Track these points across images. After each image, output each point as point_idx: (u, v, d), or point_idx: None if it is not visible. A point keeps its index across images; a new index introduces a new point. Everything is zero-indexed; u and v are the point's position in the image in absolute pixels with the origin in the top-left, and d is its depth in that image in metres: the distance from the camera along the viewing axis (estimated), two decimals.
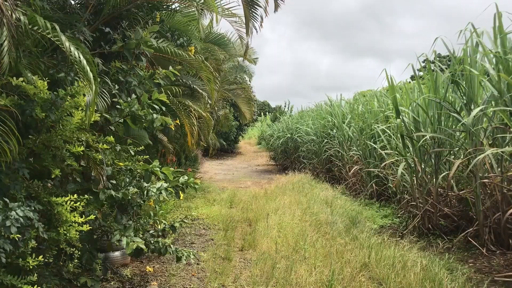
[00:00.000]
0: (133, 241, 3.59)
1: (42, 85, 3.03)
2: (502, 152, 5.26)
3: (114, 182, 3.85)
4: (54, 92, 3.14)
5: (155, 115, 3.96)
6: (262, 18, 6.13)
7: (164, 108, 4.38)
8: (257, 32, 6.28)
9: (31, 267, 2.86)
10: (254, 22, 6.19)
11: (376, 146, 9.44)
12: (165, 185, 4.05)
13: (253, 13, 6.06)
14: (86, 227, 3.19)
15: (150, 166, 4.03)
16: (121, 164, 3.90)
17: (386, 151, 8.56)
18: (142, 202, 3.96)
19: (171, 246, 4.21)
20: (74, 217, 3.12)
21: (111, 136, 3.68)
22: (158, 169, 4.05)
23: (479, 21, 6.05)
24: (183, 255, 4.23)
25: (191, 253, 4.34)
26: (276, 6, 6.10)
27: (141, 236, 4.02)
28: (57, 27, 2.88)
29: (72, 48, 2.85)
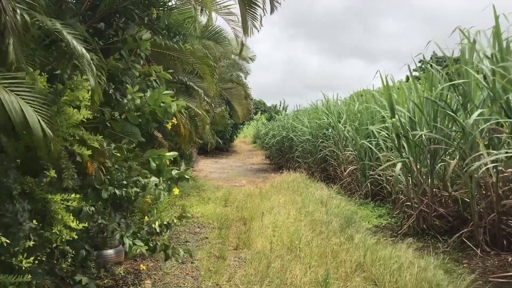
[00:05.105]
0: (135, 244, 3.56)
1: (42, 79, 3.00)
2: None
3: (108, 177, 3.80)
4: (53, 86, 3.10)
5: (172, 101, 3.92)
6: (261, 18, 6.10)
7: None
8: (258, 31, 6.25)
9: (24, 267, 2.80)
10: (254, 22, 6.15)
11: (372, 147, 9.42)
12: (157, 180, 4.00)
13: (252, 12, 6.03)
14: (79, 226, 3.15)
15: (155, 152, 3.98)
16: (118, 154, 3.83)
17: (382, 154, 8.55)
18: (138, 197, 3.91)
19: (170, 243, 4.15)
20: (70, 219, 3.07)
21: (102, 135, 3.63)
22: (162, 154, 4.00)
23: (466, 23, 6.09)
24: (178, 255, 4.19)
25: (188, 250, 4.31)
26: (272, 8, 6.07)
27: (136, 233, 3.96)
28: (58, 24, 2.87)
29: (74, 42, 2.84)
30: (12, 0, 2.65)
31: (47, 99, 2.84)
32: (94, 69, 2.91)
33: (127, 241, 3.54)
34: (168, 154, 4.09)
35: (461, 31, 6.02)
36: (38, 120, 2.56)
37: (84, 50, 2.86)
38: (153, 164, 3.98)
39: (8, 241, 2.67)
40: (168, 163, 4.16)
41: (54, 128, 2.75)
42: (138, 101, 3.89)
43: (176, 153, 4.18)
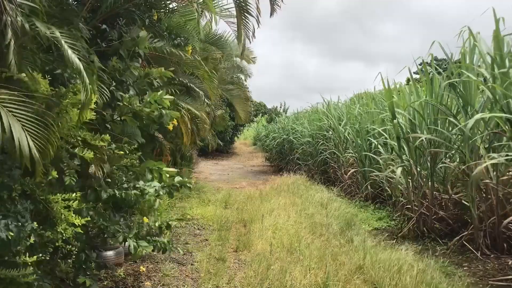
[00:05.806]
0: (140, 245, 3.56)
1: (44, 82, 3.00)
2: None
3: (109, 180, 3.80)
4: (56, 89, 3.11)
5: (164, 111, 3.93)
6: (254, 29, 6.18)
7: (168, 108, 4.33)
8: (249, 42, 6.38)
9: (30, 263, 2.80)
10: (247, 32, 6.23)
11: (372, 154, 9.41)
12: (159, 184, 4.00)
13: (245, 22, 6.09)
14: (81, 221, 3.15)
15: (154, 164, 3.98)
16: (121, 153, 3.83)
17: (382, 156, 8.55)
18: (138, 200, 3.91)
19: (169, 243, 4.15)
20: (72, 216, 3.07)
21: (107, 135, 3.64)
22: (161, 167, 4.00)
23: (462, 24, 6.10)
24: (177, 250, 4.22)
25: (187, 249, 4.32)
26: (272, 11, 6.10)
27: (138, 234, 3.97)
28: (57, 33, 2.87)
29: (69, 52, 2.84)
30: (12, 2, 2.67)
31: (45, 114, 2.84)
32: (88, 82, 2.90)
33: (131, 243, 3.54)
34: (167, 169, 4.08)
35: (470, 30, 5.99)
36: (28, 141, 2.57)
37: (81, 66, 2.86)
38: (149, 176, 3.97)
39: (12, 234, 2.68)
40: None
41: (47, 145, 2.73)
42: (134, 106, 3.90)
43: (175, 170, 4.16)
